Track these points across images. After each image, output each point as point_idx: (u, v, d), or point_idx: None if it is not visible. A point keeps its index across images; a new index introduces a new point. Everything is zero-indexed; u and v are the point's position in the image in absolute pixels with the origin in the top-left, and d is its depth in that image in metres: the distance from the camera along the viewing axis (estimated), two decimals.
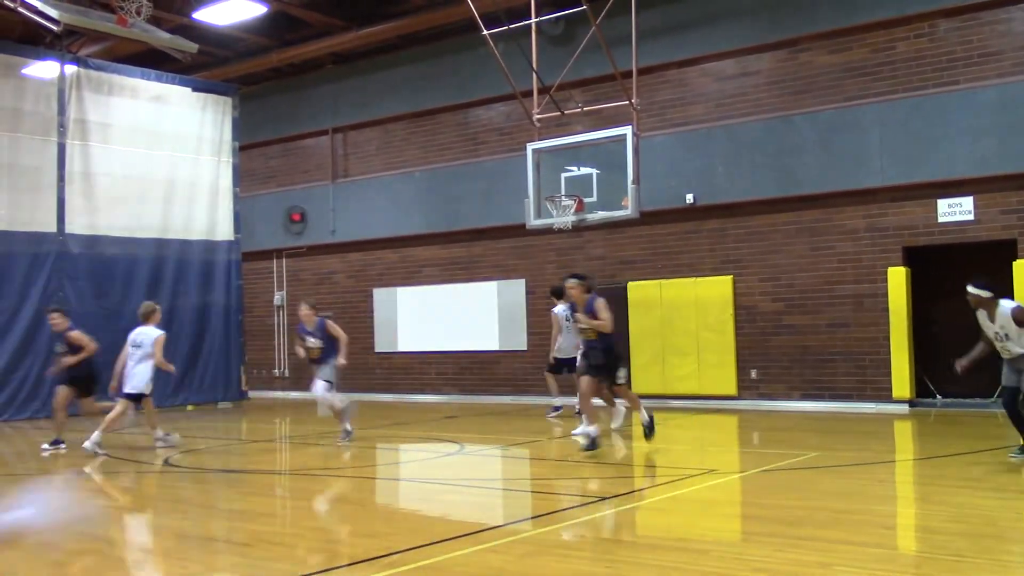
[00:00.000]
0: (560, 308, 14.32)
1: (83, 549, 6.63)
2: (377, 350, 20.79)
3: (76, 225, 17.89)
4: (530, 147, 14.97)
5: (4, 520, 8.11)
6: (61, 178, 17.74)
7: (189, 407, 18.91)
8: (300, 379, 22.29)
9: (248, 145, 21.93)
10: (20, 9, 15.43)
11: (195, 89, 20.11)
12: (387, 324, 20.67)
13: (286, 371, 22.51)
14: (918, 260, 15.20)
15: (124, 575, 5.89)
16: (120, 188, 18.55)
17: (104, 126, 18.45)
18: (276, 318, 22.65)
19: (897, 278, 14.92)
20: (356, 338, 21.33)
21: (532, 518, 7.72)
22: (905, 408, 14.77)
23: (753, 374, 16.14)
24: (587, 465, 10.29)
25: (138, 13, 15.89)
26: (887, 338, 14.95)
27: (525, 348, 18.67)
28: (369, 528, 7.19)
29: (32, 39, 18.54)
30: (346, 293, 21.57)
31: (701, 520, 7.32)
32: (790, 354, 15.91)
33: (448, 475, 10.21)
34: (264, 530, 7.30)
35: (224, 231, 20.36)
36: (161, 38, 16.74)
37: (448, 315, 19.71)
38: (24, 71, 17.55)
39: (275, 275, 22.77)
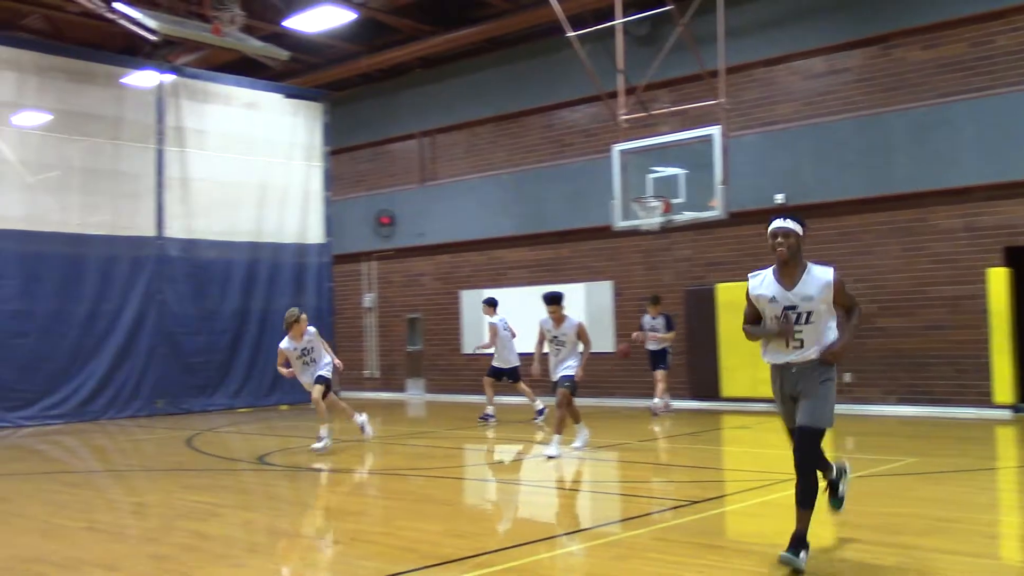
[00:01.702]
0: (499, 321, 15.69)
1: (183, 544, 6.83)
2: (464, 351, 20.93)
3: (174, 229, 18.46)
4: (616, 148, 14.91)
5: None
6: (160, 184, 18.33)
7: (283, 407, 19.32)
8: (390, 380, 22.58)
9: (338, 150, 22.30)
10: (121, 21, 15.96)
11: (287, 96, 20.56)
12: (475, 326, 20.79)
13: (376, 372, 22.82)
14: (1020, 261, 14.68)
15: (220, 570, 6.04)
16: (215, 193, 19.07)
17: (200, 133, 18.99)
18: (366, 320, 22.97)
19: (998, 279, 14.44)
20: (444, 340, 21.54)
21: (621, 521, 7.69)
22: (1008, 413, 14.27)
23: (847, 377, 15.79)
24: (676, 469, 10.20)
25: (232, 22, 16.31)
26: (987, 341, 14.48)
27: (612, 350, 18.58)
28: (458, 528, 7.25)
29: (132, 50, 19.20)
30: (434, 295, 21.77)
31: (793, 526, 7.18)
32: (885, 357, 15.52)
33: (535, 477, 10.23)
34: (355, 528, 7.41)
35: (315, 234, 20.77)
36: (254, 46, 17.14)
37: (535, 317, 19.66)
38: (124, 80, 18.17)
39: (365, 278, 23.10)
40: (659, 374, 15.84)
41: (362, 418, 12.80)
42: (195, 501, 8.70)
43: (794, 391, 5.92)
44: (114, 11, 15.76)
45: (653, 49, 16.26)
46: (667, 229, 15.48)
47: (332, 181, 21.50)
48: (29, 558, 6.36)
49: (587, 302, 18.94)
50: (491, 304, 15.96)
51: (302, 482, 10.22)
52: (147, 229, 18.17)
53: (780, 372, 5.94)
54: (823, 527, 7.39)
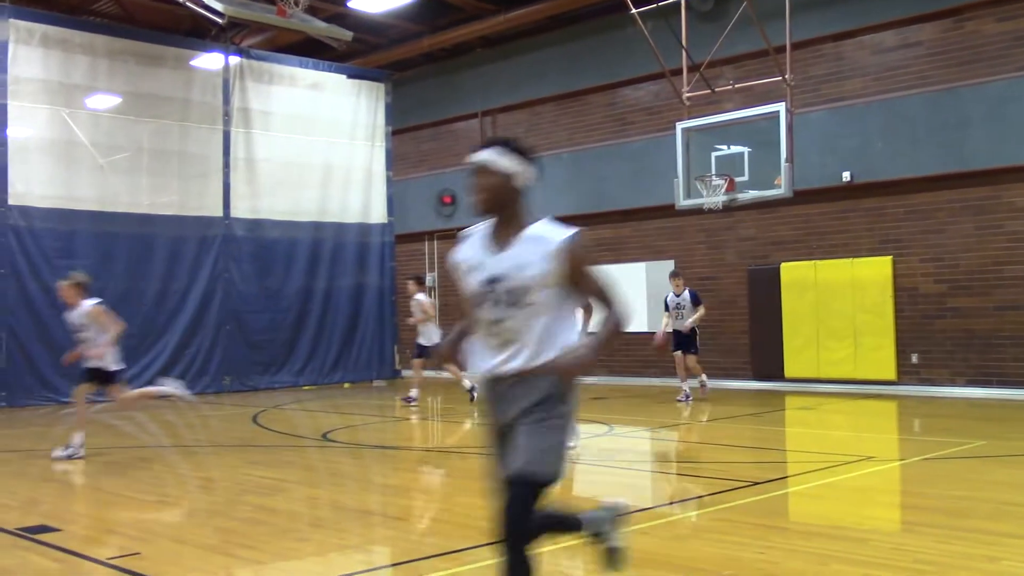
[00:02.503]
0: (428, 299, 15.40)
1: (249, 518, 6.97)
2: None
3: (240, 209, 18.75)
4: (679, 126, 14.76)
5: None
6: (226, 164, 18.62)
7: (346, 385, 19.57)
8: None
9: (400, 129, 22.41)
10: (188, 3, 16.20)
11: (350, 76, 20.71)
12: None
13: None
14: None
15: (285, 544, 6.15)
16: (280, 173, 19.32)
17: (265, 114, 19.23)
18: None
19: None
20: None
21: (682, 501, 7.67)
22: None
23: (914, 358, 15.51)
24: (738, 449, 10.13)
25: (296, 3, 16.44)
26: None
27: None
28: None
29: (200, 33, 19.49)
30: None
31: (858, 508, 7.10)
32: (954, 338, 15.20)
33: (596, 456, 10.23)
34: (417, 505, 7.50)
35: (378, 214, 20.94)
36: (318, 27, 17.27)
37: None
38: (192, 63, 18.47)
39: (426, 257, 23.24)
40: (690, 360, 14.80)
41: None
42: (260, 476, 8.86)
43: (505, 419, 3.97)
44: None
45: (717, 25, 16.03)
46: (730, 208, 15.30)
47: (394, 161, 21.62)
48: (103, 529, 6.55)
49: (648, 281, 18.83)
50: (419, 281, 15.77)
51: (365, 459, 10.36)
52: (214, 209, 18.48)
53: (488, 390, 4.06)
54: (885, 509, 7.29)
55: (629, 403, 15.38)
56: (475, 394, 14.10)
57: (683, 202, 14.75)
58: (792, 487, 8.05)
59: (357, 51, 21.48)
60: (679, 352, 14.80)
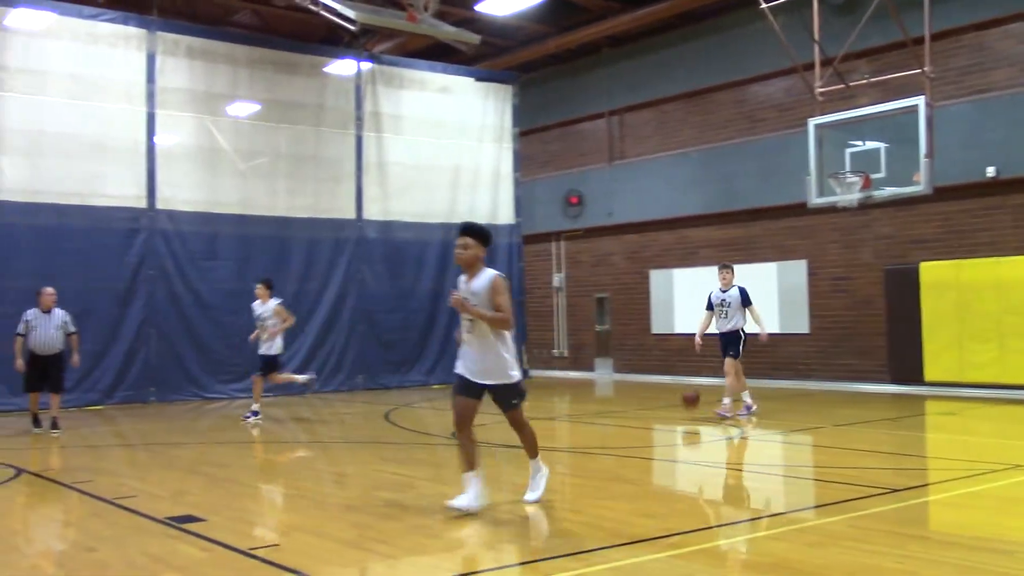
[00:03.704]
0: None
1: (381, 513, 7.14)
2: (654, 331, 20.82)
3: (372, 211, 19.24)
4: (812, 122, 14.42)
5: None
6: (358, 168, 19.13)
7: None
8: (578, 359, 22.74)
9: (527, 131, 22.56)
10: (323, 12, 16.69)
11: (478, 79, 20.97)
12: (664, 305, 20.65)
13: (565, 351, 23.04)
14: None
15: (417, 539, 6.28)
16: (410, 176, 19.72)
17: (395, 118, 19.67)
18: (555, 299, 23.20)
19: None
20: (632, 319, 21.49)
21: (816, 507, 7.49)
22: None
23: None
24: (875, 455, 9.83)
25: (426, 9, 16.75)
26: None
27: (807, 331, 18.05)
28: (647, 508, 7.25)
29: (333, 40, 20.07)
30: (623, 275, 21.75)
31: (1004, 519, 6.80)
32: None
33: (726, 459, 10.09)
34: (544, 505, 7.53)
35: (506, 215, 21.13)
36: (447, 31, 17.55)
37: None
38: (326, 69, 19.03)
39: (554, 257, 23.33)
40: (728, 363, 12.77)
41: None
42: (392, 473, 9.06)
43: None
44: (317, 3, 16.50)
45: (851, 18, 15.57)
46: (866, 205, 14.84)
47: (521, 162, 21.78)
48: (244, 521, 6.82)
49: (779, 281, 18.45)
50: (269, 284, 13.98)
51: (494, 458, 10.46)
52: (347, 212, 19.01)
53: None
54: None
55: (760, 406, 15.07)
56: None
57: (815, 200, 14.39)
58: (933, 495, 7.76)
59: (485, 54, 21.73)
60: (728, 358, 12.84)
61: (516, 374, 7.07)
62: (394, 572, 5.72)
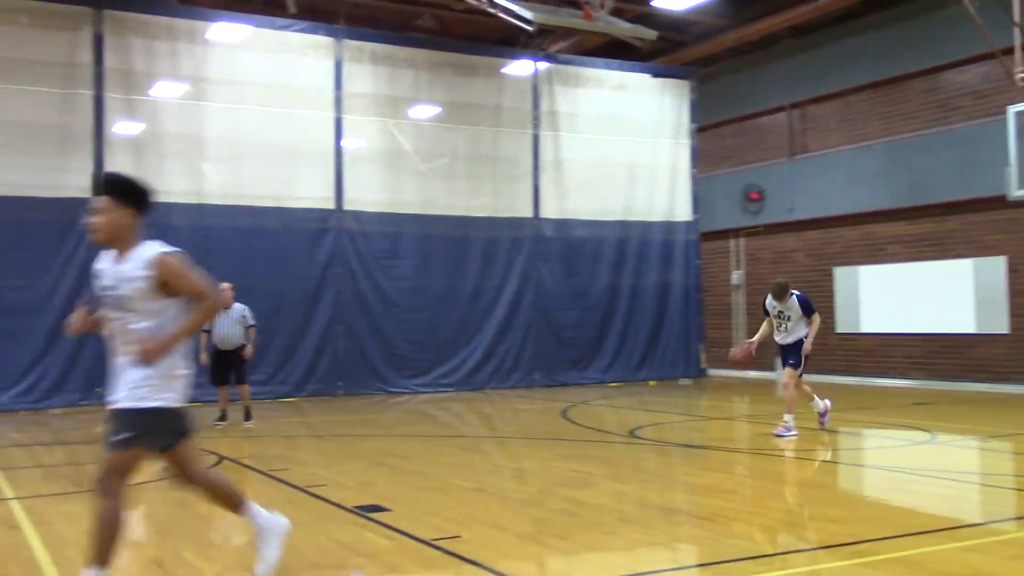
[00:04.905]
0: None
1: (560, 509, 7.20)
2: (838, 331, 20.10)
3: (548, 210, 19.42)
4: (1011, 110, 13.62)
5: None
6: (535, 167, 19.35)
7: (651, 382, 19.69)
8: (758, 359, 22.20)
9: (705, 126, 22.21)
10: (500, 14, 16.96)
11: (654, 75, 20.83)
12: (849, 304, 19.91)
13: None
14: None
15: (594, 536, 6.31)
16: (586, 174, 19.80)
17: (571, 116, 19.78)
18: (734, 297, 22.76)
19: None
20: None
21: (1018, 518, 7.07)
22: None
23: None
24: None
25: (602, 6, 16.75)
26: None
27: (1007, 331, 17.01)
28: (832, 513, 7.03)
29: (510, 41, 20.35)
30: (805, 272, 21.08)
31: None
32: None
33: (916, 465, 9.64)
34: (724, 506, 7.42)
35: (683, 212, 20.91)
36: (623, 28, 17.49)
37: (916, 295, 18.50)
38: (503, 70, 19.34)
39: (732, 254, 22.88)
40: (786, 373, 11.28)
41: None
42: (570, 469, 9.13)
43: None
44: (494, 5, 16.78)
45: None
46: None
47: (699, 158, 21.47)
48: (427, 512, 7.02)
49: (975, 279, 17.46)
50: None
51: (672, 457, 10.38)
52: (524, 211, 19.25)
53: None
54: None
55: (954, 410, 14.34)
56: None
57: (1017, 192, 13.55)
58: None
59: (661, 49, 21.52)
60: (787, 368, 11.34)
61: (159, 400, 4.66)
62: (572, 567, 5.77)
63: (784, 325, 11.25)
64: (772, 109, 21.90)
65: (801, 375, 11.20)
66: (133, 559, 5.76)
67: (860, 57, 19.85)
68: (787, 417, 10.99)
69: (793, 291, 11.29)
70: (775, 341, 11.36)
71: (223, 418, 12.78)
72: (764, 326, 11.52)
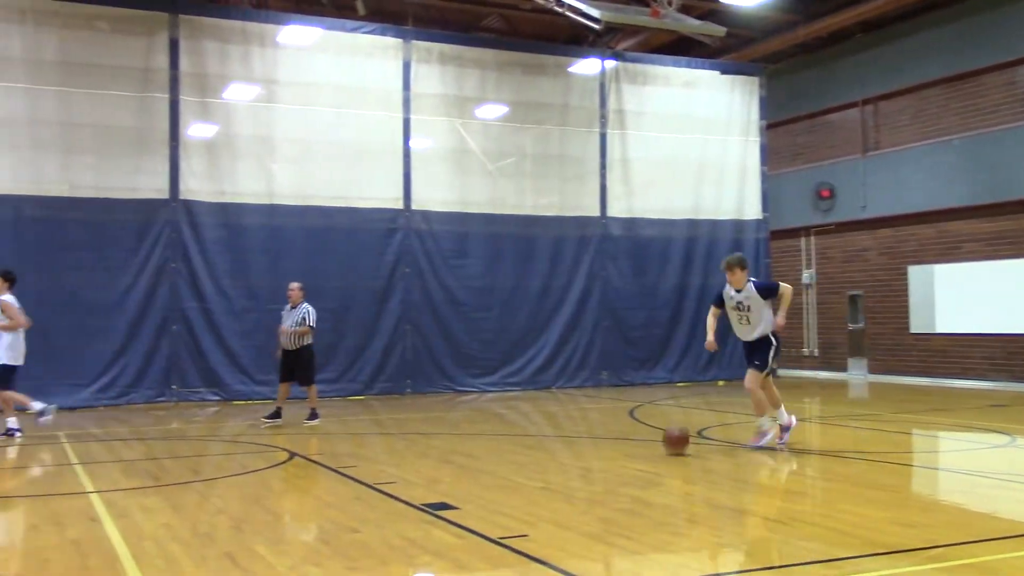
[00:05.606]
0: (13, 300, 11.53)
1: (626, 509, 7.18)
2: (912, 331, 19.70)
3: (616, 208, 19.34)
4: None
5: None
6: (603, 166, 19.30)
7: (719, 383, 19.49)
8: (830, 359, 21.88)
9: (774, 123, 21.93)
10: (568, 13, 16.95)
11: (723, 72, 20.61)
12: (923, 303, 19.49)
13: (815, 350, 22.23)
14: None
15: (662, 536, 6.28)
16: (654, 172, 19.67)
17: (639, 114, 19.67)
18: (805, 297, 22.43)
19: None
20: (889, 318, 20.43)
21: None
22: None
23: None
24: None
25: (670, 4, 16.63)
26: None
27: None
28: (907, 517, 6.89)
29: (577, 40, 20.33)
30: (878, 271, 20.71)
31: None
32: None
33: (996, 468, 9.40)
34: (795, 508, 7.33)
35: (752, 210, 20.65)
36: (691, 25, 17.35)
37: (995, 294, 18.04)
38: (570, 69, 19.31)
39: (803, 253, 22.55)
40: (750, 375, 9.85)
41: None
42: (637, 469, 9.08)
43: None
44: (562, 4, 16.77)
45: None
46: None
47: (769, 155, 21.20)
48: (494, 510, 7.05)
49: None
50: (6, 278, 11.71)
51: (739, 458, 10.26)
52: (591, 209, 19.20)
53: None
54: None
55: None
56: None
57: None
58: None
59: (730, 46, 21.30)
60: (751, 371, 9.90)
61: None
62: (639, 568, 5.75)
63: (745, 317, 9.89)
64: (843, 105, 21.55)
65: (768, 375, 9.89)
66: (206, 553, 5.89)
67: (933, 51, 19.42)
68: (761, 421, 9.97)
69: (751, 279, 9.95)
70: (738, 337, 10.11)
71: (276, 415, 12.79)
72: (710, 318, 10.26)
